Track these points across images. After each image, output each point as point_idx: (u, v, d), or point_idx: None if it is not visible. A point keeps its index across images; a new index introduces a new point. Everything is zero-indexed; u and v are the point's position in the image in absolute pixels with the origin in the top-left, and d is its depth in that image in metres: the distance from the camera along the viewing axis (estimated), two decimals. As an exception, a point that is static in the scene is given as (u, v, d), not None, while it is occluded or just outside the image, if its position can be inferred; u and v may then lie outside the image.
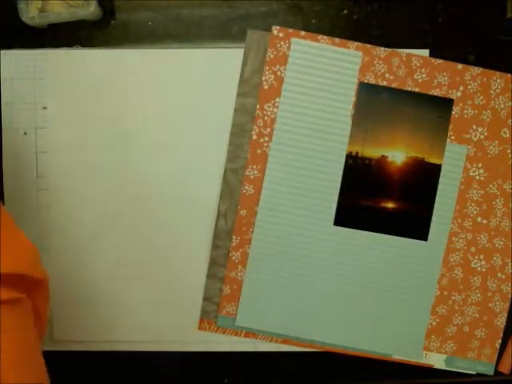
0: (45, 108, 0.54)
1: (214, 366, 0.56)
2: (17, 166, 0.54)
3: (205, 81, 0.54)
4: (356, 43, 0.53)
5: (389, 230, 0.54)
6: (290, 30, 0.52)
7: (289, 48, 0.52)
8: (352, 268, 0.54)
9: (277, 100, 0.53)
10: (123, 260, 0.55)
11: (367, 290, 0.55)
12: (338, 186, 0.54)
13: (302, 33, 0.52)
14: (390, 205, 0.54)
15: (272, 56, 0.53)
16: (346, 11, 0.54)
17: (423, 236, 0.54)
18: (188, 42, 0.54)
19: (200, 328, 0.55)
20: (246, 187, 0.54)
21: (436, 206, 0.54)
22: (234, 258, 0.54)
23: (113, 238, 0.55)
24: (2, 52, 0.53)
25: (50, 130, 0.54)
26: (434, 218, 0.54)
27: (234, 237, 0.54)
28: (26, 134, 0.54)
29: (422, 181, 0.54)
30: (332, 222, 0.54)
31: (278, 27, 0.52)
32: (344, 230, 0.54)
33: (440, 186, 0.54)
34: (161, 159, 0.54)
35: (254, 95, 0.53)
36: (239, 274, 0.54)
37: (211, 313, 0.55)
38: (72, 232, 0.54)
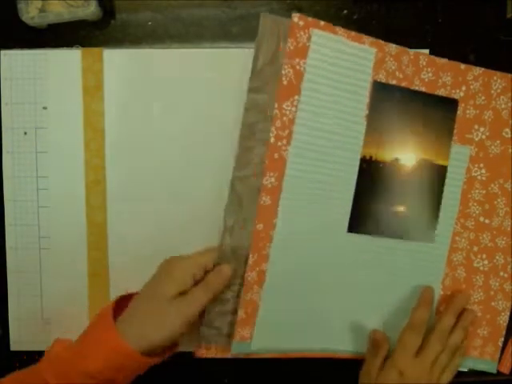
0: (45, 108, 0.54)
1: (214, 366, 0.55)
2: (17, 166, 0.54)
3: (204, 81, 0.54)
4: (370, 38, 0.50)
5: (400, 234, 0.53)
6: (310, 19, 0.48)
7: (308, 39, 0.48)
8: (368, 277, 0.53)
9: (295, 98, 0.48)
10: (123, 260, 0.55)
11: (383, 298, 0.54)
12: (353, 191, 0.51)
13: (322, 23, 0.48)
14: (402, 209, 0.53)
15: (292, 47, 0.48)
16: (345, 11, 0.54)
17: (430, 238, 0.53)
18: (188, 42, 0.54)
19: (197, 354, 0.52)
20: (264, 198, 0.49)
21: (443, 207, 0.53)
22: (249, 278, 0.50)
23: (112, 238, 0.54)
24: (2, 52, 0.53)
25: (50, 130, 0.54)
26: (440, 220, 0.53)
27: (250, 255, 0.49)
28: (26, 133, 0.54)
29: (430, 183, 0.53)
30: (346, 229, 0.52)
31: (298, 14, 0.48)
32: (358, 237, 0.52)
33: (447, 188, 0.53)
34: (160, 161, 0.54)
35: (267, 91, 0.49)
36: (255, 294, 0.50)
37: (211, 337, 0.52)
38: (72, 232, 0.54)
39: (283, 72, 0.48)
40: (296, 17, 0.48)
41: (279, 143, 0.49)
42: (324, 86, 0.49)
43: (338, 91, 0.49)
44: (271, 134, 0.48)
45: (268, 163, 0.49)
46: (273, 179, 0.49)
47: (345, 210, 0.52)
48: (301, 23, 0.48)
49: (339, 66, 0.49)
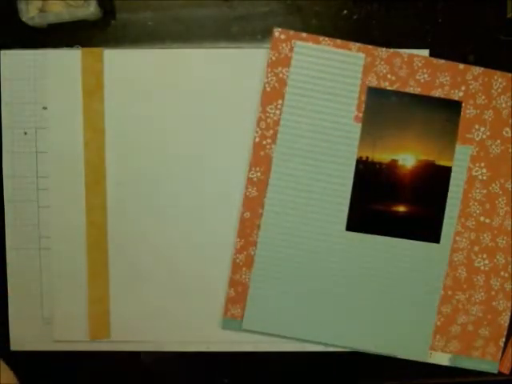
0: (45, 108, 0.54)
1: (213, 366, 0.55)
2: (17, 166, 0.54)
3: (204, 81, 0.54)
4: (358, 44, 0.52)
5: (401, 233, 0.54)
6: (292, 32, 0.52)
7: (291, 50, 0.52)
8: (364, 271, 0.54)
9: (279, 102, 0.53)
10: (123, 260, 0.55)
11: (379, 294, 0.54)
12: (349, 190, 0.53)
13: (304, 34, 0.52)
14: (402, 208, 0.54)
15: (274, 58, 0.52)
16: (345, 11, 0.54)
17: (436, 239, 0.54)
18: (188, 42, 0.54)
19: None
20: (249, 189, 0.53)
21: (447, 208, 0.54)
22: (238, 260, 0.54)
23: (112, 238, 0.54)
24: (2, 52, 0.53)
25: (50, 130, 0.54)
26: (445, 220, 0.54)
27: (237, 239, 0.54)
28: (26, 133, 0.54)
29: (432, 184, 0.54)
30: (344, 227, 0.54)
31: (279, 29, 0.52)
32: (357, 235, 0.54)
33: (451, 188, 0.54)
34: (160, 161, 0.54)
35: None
36: (244, 276, 0.54)
37: None
38: (72, 232, 0.54)
39: (266, 80, 0.53)
40: (277, 31, 0.52)
41: (264, 142, 0.53)
42: (309, 91, 0.53)
43: (325, 95, 0.53)
44: (256, 134, 0.53)
45: (253, 159, 0.53)
46: (259, 173, 0.53)
47: (343, 207, 0.53)
48: (282, 36, 0.52)
49: (325, 72, 0.52)
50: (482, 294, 0.55)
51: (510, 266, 0.55)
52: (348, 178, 0.53)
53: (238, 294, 0.54)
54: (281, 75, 0.53)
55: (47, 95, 0.54)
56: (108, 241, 0.54)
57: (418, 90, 0.53)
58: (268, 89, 0.53)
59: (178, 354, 0.55)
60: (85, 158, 0.54)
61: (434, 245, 0.54)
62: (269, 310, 0.54)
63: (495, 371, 0.56)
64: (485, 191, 0.54)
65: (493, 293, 0.55)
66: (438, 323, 0.55)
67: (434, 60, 0.53)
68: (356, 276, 0.54)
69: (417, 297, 0.54)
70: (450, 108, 0.53)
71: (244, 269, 0.54)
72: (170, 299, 0.55)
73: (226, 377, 0.56)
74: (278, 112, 0.53)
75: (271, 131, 0.53)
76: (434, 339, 0.55)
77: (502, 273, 0.55)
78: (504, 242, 0.54)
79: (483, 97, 0.53)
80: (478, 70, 0.53)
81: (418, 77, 0.53)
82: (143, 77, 0.54)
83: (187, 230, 0.54)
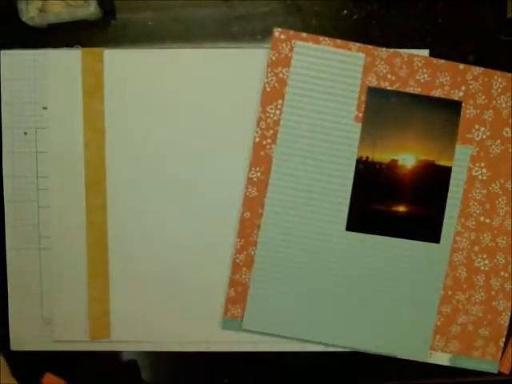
0: (45, 108, 0.54)
1: (213, 366, 0.55)
2: (17, 166, 0.54)
3: (204, 81, 0.54)
4: (358, 44, 0.53)
5: (402, 233, 0.54)
6: (292, 32, 0.52)
7: (291, 50, 0.52)
8: (364, 271, 0.54)
9: (279, 102, 0.53)
10: (123, 260, 0.55)
11: (379, 294, 0.54)
12: (349, 190, 0.53)
13: (304, 34, 0.52)
14: (402, 208, 0.54)
15: (274, 58, 0.52)
16: (345, 11, 0.54)
17: (436, 238, 0.54)
18: (188, 42, 0.54)
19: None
20: (250, 189, 0.53)
21: (447, 208, 0.54)
22: (238, 260, 0.54)
23: (112, 238, 0.54)
24: (2, 52, 0.53)
25: (50, 130, 0.54)
26: (445, 220, 0.54)
27: (237, 239, 0.54)
28: (26, 133, 0.54)
29: (432, 184, 0.54)
30: (344, 227, 0.54)
31: (279, 29, 0.52)
32: (357, 235, 0.54)
33: (451, 188, 0.54)
34: (160, 160, 0.54)
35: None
36: (244, 276, 0.54)
37: None
38: (72, 232, 0.54)
39: (266, 80, 0.53)
40: (277, 31, 0.52)
41: (264, 142, 0.53)
42: (309, 91, 0.53)
43: (325, 95, 0.53)
44: (256, 134, 0.53)
45: (253, 159, 0.53)
46: (259, 173, 0.53)
47: (343, 207, 0.53)
48: (282, 37, 0.52)
49: (325, 72, 0.52)
50: (482, 294, 0.55)
51: (510, 266, 0.55)
52: (348, 178, 0.53)
53: (237, 293, 0.54)
54: (281, 75, 0.53)
55: (47, 95, 0.54)
56: (108, 241, 0.54)
57: (418, 90, 0.53)
58: (268, 89, 0.53)
59: (177, 353, 0.55)
60: (85, 158, 0.54)
61: (434, 245, 0.54)
62: (269, 310, 0.54)
63: (495, 371, 0.56)
64: (485, 191, 0.54)
65: (493, 293, 0.55)
66: (438, 323, 0.55)
67: (434, 60, 0.53)
68: (356, 276, 0.54)
69: (417, 297, 0.54)
70: (450, 108, 0.53)
71: (244, 269, 0.54)
72: (170, 299, 0.55)
73: (226, 377, 0.56)
74: (278, 112, 0.53)
75: (271, 131, 0.53)
76: (434, 339, 0.55)
77: (502, 273, 0.55)
78: (504, 242, 0.54)
79: (483, 97, 0.53)
80: (478, 69, 0.53)
81: (418, 77, 0.53)
82: (143, 77, 0.54)
83: (187, 229, 0.54)
